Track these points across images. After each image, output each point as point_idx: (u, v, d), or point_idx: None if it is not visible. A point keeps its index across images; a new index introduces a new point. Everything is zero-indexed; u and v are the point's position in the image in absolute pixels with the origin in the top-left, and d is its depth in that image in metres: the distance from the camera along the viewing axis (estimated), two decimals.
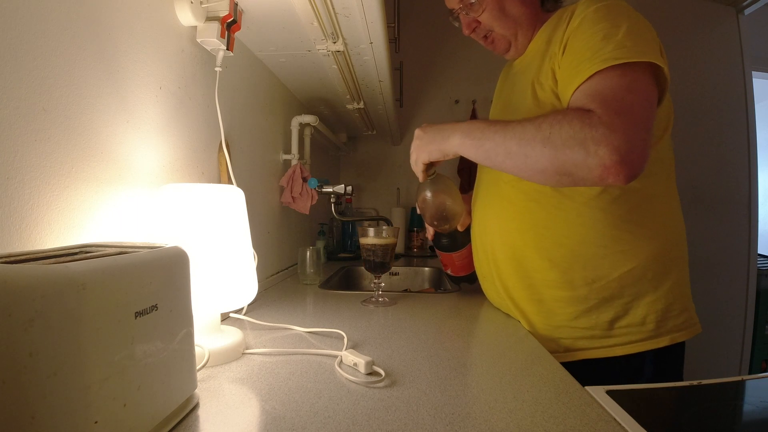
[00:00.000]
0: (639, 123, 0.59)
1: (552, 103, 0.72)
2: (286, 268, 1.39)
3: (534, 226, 0.76)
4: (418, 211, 0.94)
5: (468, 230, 0.97)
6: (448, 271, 1.06)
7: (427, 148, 0.78)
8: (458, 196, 0.91)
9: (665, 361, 0.74)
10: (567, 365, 0.63)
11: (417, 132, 0.81)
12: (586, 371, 0.70)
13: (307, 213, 1.37)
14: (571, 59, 0.67)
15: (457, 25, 0.89)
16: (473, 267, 0.99)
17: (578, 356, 0.75)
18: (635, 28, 0.64)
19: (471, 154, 0.72)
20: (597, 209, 0.72)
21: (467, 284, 1.08)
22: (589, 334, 0.74)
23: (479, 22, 0.83)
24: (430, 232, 1.01)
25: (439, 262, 1.08)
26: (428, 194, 0.89)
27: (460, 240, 0.99)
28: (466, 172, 2.32)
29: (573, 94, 0.65)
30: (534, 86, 0.75)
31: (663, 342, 0.72)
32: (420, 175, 0.84)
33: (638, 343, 0.72)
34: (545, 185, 0.72)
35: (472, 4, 0.81)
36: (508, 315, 0.90)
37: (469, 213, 0.97)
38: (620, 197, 0.71)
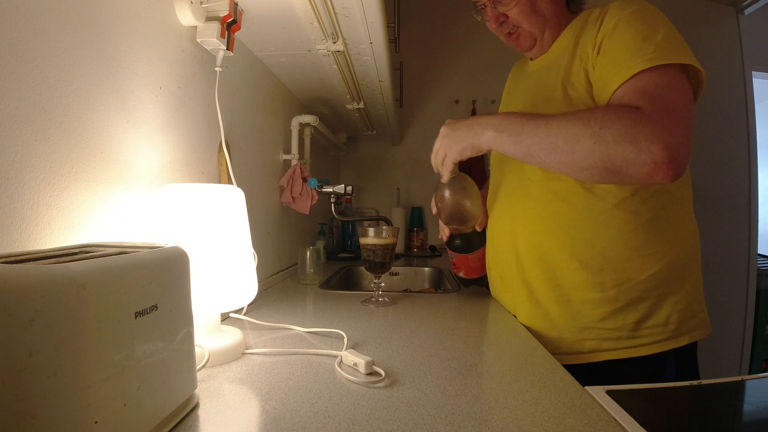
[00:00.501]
0: (684, 121, 0.60)
1: (585, 102, 0.72)
2: (286, 268, 1.39)
3: (563, 227, 0.76)
4: (434, 211, 0.91)
5: (484, 231, 0.95)
6: (461, 274, 1.02)
7: (458, 145, 0.75)
8: (478, 195, 0.90)
9: (685, 359, 0.75)
10: (590, 366, 0.64)
11: (444, 130, 0.79)
12: (610, 372, 0.72)
13: (307, 213, 1.37)
14: (609, 58, 0.67)
15: (479, 18, 0.88)
16: (485, 269, 0.98)
17: (603, 357, 0.75)
18: (671, 32, 0.66)
19: (508, 150, 0.70)
20: (628, 211, 0.72)
21: (476, 286, 1.06)
22: (615, 335, 0.74)
23: (507, 17, 0.82)
24: (445, 232, 0.98)
25: (449, 264, 1.04)
26: (448, 193, 0.86)
27: (476, 241, 0.96)
28: (466, 172, 2.32)
29: (615, 91, 0.65)
30: (565, 86, 0.75)
31: (683, 341, 0.74)
32: (446, 174, 0.81)
33: (661, 343, 0.73)
34: (588, 181, 0.72)
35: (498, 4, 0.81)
36: (508, 315, 0.90)
37: (486, 213, 0.96)
38: (650, 199, 0.72)
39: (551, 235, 0.77)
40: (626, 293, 0.73)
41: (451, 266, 1.05)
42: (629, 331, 0.74)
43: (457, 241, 0.97)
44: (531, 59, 0.93)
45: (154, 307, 0.39)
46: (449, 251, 1.01)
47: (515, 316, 0.88)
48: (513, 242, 0.83)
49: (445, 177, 0.82)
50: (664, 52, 0.62)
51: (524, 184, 0.81)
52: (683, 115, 0.60)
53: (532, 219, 0.79)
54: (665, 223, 0.73)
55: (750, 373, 1.94)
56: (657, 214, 0.72)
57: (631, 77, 0.63)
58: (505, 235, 0.86)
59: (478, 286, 1.05)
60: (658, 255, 0.72)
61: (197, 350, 0.50)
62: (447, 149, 0.77)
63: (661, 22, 0.67)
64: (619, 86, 0.65)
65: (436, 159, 0.81)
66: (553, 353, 0.69)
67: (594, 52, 0.70)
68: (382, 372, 0.58)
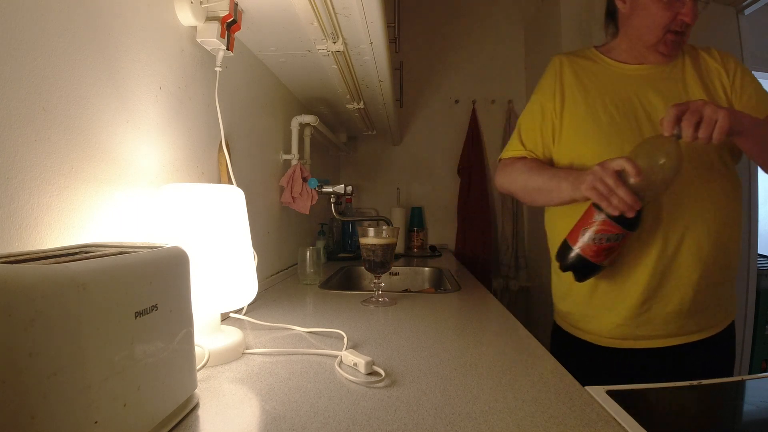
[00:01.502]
0: None
1: None
2: (286, 268, 1.39)
3: (732, 224, 0.87)
4: (634, 171, 0.71)
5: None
6: (588, 256, 0.80)
7: (730, 121, 0.70)
8: None
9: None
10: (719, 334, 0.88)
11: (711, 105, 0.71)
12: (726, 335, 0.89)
13: (307, 213, 1.37)
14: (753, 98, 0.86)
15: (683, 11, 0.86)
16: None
17: (724, 325, 0.89)
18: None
19: (747, 142, 0.80)
20: (739, 203, 0.88)
21: (580, 276, 0.84)
22: (728, 303, 0.90)
23: (693, 22, 0.86)
24: (636, 202, 0.74)
25: (575, 241, 0.81)
26: (677, 154, 0.73)
27: (639, 219, 0.77)
28: (466, 172, 2.33)
29: None
30: (715, 98, 0.87)
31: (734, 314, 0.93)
32: (706, 134, 0.69)
33: (733, 313, 0.92)
34: None
35: (706, 3, 0.88)
36: (508, 315, 0.90)
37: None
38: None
39: (727, 226, 0.86)
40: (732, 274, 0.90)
41: (573, 239, 0.82)
42: (728, 300, 0.90)
43: (628, 216, 0.75)
44: (615, 60, 0.96)
45: (154, 307, 0.39)
46: (601, 224, 0.78)
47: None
48: (694, 238, 0.85)
49: (669, 131, 0.71)
50: None
51: (695, 182, 0.85)
52: None
53: (711, 219, 0.85)
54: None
55: (750, 373, 1.94)
56: None
57: None
58: (679, 231, 0.84)
59: (584, 277, 0.84)
60: None
61: (197, 350, 0.50)
62: (724, 118, 0.69)
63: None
64: None
65: (695, 115, 0.70)
66: (697, 331, 0.87)
67: (730, 83, 0.87)
68: (382, 372, 0.58)
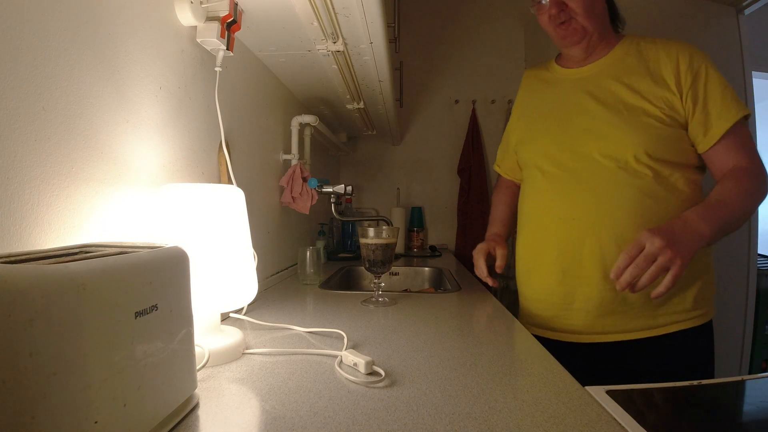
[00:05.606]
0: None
1: (651, 114, 0.85)
2: (286, 268, 1.39)
3: (649, 221, 0.84)
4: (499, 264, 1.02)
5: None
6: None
7: (687, 258, 0.74)
8: None
9: (711, 327, 0.90)
10: (663, 337, 0.85)
11: (657, 241, 0.73)
12: (679, 339, 0.86)
13: (307, 213, 1.37)
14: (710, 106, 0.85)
15: (533, 11, 0.94)
16: None
17: (674, 328, 0.86)
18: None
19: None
20: (691, 203, 0.84)
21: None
22: (680, 308, 0.86)
23: (566, 6, 0.89)
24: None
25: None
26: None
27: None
28: (466, 172, 2.33)
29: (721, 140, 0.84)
30: (625, 98, 0.88)
31: (714, 310, 0.90)
32: (664, 290, 0.74)
33: (708, 314, 0.89)
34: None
35: None
36: (508, 315, 0.90)
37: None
38: (700, 195, 0.87)
39: (637, 229, 0.83)
40: (691, 273, 0.85)
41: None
42: (690, 304, 0.86)
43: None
44: (563, 67, 1.00)
45: (154, 307, 0.39)
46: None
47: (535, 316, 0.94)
48: (597, 237, 0.87)
49: (661, 292, 0.74)
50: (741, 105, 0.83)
51: (603, 183, 0.87)
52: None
53: (620, 215, 0.85)
54: None
55: (750, 373, 1.94)
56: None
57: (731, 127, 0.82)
58: (581, 231, 0.89)
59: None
60: None
61: (197, 350, 0.50)
62: (677, 267, 0.72)
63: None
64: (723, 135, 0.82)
65: (648, 275, 0.73)
66: (624, 331, 0.87)
67: (687, 88, 0.84)
68: (382, 372, 0.58)
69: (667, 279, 0.72)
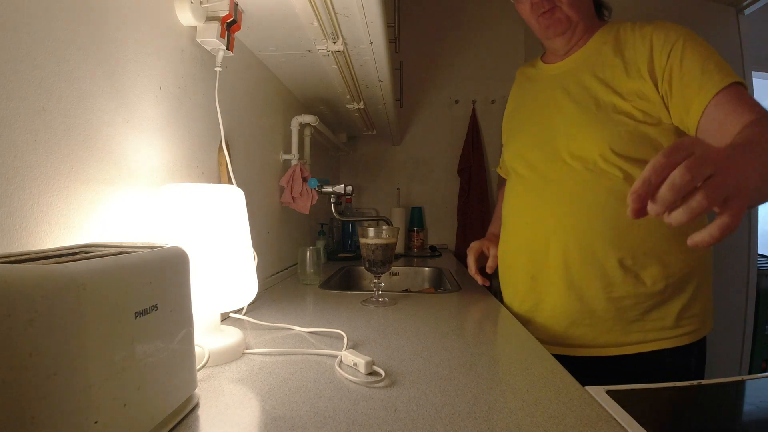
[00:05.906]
0: None
1: (623, 110, 0.77)
2: (286, 268, 1.39)
3: (616, 226, 0.77)
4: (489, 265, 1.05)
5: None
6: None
7: (744, 207, 0.44)
8: None
9: (702, 346, 0.82)
10: (636, 356, 0.76)
11: (700, 149, 0.41)
12: (653, 361, 0.79)
13: (307, 213, 1.37)
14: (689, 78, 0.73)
15: (512, 0, 0.91)
16: None
17: (649, 347, 0.79)
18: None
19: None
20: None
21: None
22: (659, 326, 0.78)
23: None
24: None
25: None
26: None
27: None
28: (466, 172, 2.33)
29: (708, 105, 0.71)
30: (598, 95, 0.80)
31: (708, 328, 0.81)
32: (685, 217, 0.43)
33: (698, 332, 0.79)
34: None
35: None
36: (508, 314, 0.90)
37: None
38: None
39: (603, 235, 0.78)
40: (671, 286, 0.77)
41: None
42: (672, 321, 0.78)
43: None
44: (545, 63, 0.97)
45: (154, 307, 0.39)
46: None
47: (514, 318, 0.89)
48: (561, 243, 0.82)
49: (684, 219, 0.42)
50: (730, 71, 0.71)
51: (569, 185, 0.82)
52: None
53: (586, 219, 0.80)
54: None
55: (750, 373, 1.94)
56: None
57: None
58: (545, 236, 0.84)
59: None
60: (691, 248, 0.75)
61: (197, 350, 0.50)
62: (730, 193, 0.41)
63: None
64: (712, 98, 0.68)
65: (697, 202, 0.41)
66: (593, 346, 0.79)
67: (665, 66, 0.74)
68: (382, 372, 0.58)
69: (722, 222, 0.41)
